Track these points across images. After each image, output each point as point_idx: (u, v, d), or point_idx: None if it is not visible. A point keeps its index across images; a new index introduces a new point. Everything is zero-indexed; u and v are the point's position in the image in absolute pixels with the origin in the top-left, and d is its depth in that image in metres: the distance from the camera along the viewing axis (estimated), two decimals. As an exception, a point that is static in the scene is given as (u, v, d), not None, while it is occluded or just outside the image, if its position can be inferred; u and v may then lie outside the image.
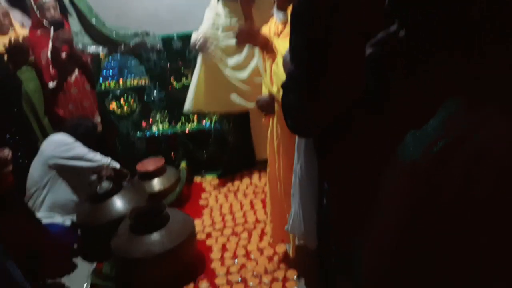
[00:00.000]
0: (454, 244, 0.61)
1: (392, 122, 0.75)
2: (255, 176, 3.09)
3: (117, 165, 2.61)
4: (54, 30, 2.74)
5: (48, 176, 2.48)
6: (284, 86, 1.02)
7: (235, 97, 2.71)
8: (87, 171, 2.51)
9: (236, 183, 3.05)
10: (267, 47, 1.86)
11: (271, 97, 1.83)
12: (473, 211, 0.58)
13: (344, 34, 0.83)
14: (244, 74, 2.68)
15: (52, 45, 2.79)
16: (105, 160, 2.56)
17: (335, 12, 0.83)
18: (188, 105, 2.79)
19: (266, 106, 1.88)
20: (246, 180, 3.06)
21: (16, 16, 3.12)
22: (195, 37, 2.63)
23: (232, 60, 2.71)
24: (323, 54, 0.86)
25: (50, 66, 2.82)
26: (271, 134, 2.00)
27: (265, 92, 1.94)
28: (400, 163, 0.70)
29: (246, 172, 3.16)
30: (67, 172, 2.51)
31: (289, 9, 1.81)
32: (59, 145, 2.49)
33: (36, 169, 2.51)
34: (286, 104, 0.99)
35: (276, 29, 1.97)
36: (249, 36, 1.91)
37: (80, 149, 2.51)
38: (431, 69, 0.64)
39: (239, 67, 2.70)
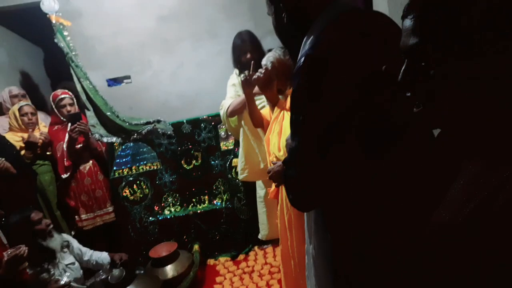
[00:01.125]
0: None
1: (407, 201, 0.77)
2: (270, 255, 3.00)
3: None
4: (72, 124, 2.92)
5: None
6: (285, 161, 1.06)
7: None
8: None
9: (251, 263, 2.96)
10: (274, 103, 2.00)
11: (282, 167, 1.86)
12: None
13: (340, 108, 0.88)
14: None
15: (69, 137, 2.94)
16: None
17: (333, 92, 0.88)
18: (240, 176, 2.74)
19: (277, 176, 1.90)
20: (260, 260, 2.97)
21: (41, 117, 3.37)
22: (227, 103, 2.75)
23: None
24: (323, 132, 0.90)
25: (65, 157, 2.95)
26: (281, 208, 2.00)
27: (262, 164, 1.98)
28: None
29: (260, 250, 3.08)
30: None
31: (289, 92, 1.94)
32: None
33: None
34: (288, 179, 1.02)
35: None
36: (266, 83, 2.00)
37: (75, 244, 2.58)
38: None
39: None
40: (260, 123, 2.28)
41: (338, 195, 0.95)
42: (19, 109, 2.96)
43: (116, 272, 2.36)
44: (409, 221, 0.77)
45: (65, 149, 2.95)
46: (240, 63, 2.76)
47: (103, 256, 2.62)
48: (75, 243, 2.61)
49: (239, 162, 2.76)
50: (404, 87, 0.70)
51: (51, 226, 2.41)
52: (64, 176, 2.94)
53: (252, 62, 2.18)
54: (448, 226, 0.65)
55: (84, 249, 2.62)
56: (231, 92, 2.80)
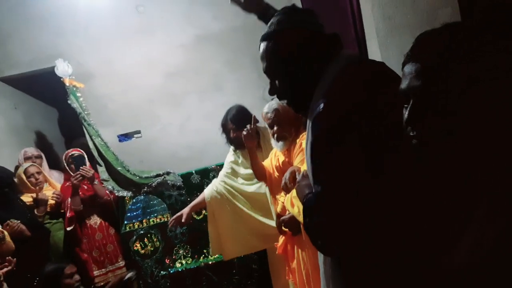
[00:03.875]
0: None
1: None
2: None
3: None
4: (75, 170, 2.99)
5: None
6: (309, 207, 1.01)
7: (252, 235, 2.70)
8: None
9: (266, 316, 2.85)
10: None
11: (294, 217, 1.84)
12: None
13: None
14: (251, 188, 2.71)
15: (72, 184, 2.97)
16: None
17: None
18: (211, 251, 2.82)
19: (292, 224, 1.87)
20: (275, 312, 2.86)
21: (55, 176, 3.46)
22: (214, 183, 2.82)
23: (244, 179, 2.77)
24: (349, 174, 0.90)
25: (68, 210, 2.97)
26: (298, 263, 1.95)
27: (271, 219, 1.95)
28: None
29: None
30: None
31: (300, 138, 1.98)
32: None
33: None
34: (314, 225, 0.99)
35: (277, 161, 2.11)
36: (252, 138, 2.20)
37: None
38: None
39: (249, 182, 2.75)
40: (263, 176, 2.29)
41: (363, 240, 0.93)
42: (24, 172, 3.04)
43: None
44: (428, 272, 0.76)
45: (69, 200, 2.98)
46: (229, 140, 2.74)
47: None
48: None
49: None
50: (411, 124, 0.74)
51: (79, 282, 2.45)
52: (68, 228, 2.94)
53: (253, 116, 2.26)
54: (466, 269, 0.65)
55: None
56: (227, 168, 2.80)
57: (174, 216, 2.64)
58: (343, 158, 0.90)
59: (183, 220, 2.58)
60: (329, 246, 0.98)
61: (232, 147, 2.82)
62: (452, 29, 0.71)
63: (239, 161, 2.76)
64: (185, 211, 2.62)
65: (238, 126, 2.56)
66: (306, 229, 1.02)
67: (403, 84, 0.76)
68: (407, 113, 0.75)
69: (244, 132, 2.22)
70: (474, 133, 0.68)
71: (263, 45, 1.11)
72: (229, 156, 2.85)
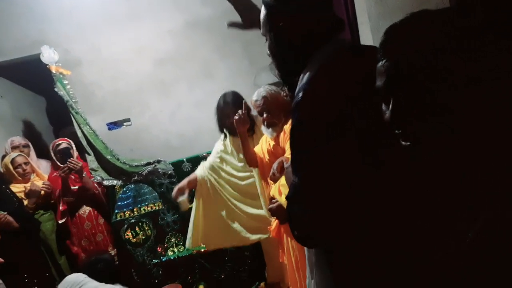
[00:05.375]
0: None
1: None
2: (277, 292, 2.91)
3: None
4: (62, 161, 2.94)
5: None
6: (288, 197, 1.01)
7: (238, 227, 2.70)
8: None
9: (258, 302, 2.87)
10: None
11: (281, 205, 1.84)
12: None
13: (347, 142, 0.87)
14: (242, 182, 2.70)
15: (61, 178, 2.94)
16: None
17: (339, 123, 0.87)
18: (187, 243, 2.82)
19: (279, 212, 1.87)
20: (268, 298, 2.88)
21: (43, 165, 3.40)
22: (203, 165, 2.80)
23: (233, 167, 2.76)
24: (326, 165, 0.88)
25: (61, 202, 2.95)
26: (287, 249, 1.96)
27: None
28: None
29: (268, 288, 2.99)
30: None
31: (289, 124, 1.97)
32: (71, 286, 2.46)
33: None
34: (292, 215, 0.99)
35: (268, 145, 2.10)
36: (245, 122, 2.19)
37: (90, 284, 2.47)
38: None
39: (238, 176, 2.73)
40: (255, 162, 2.29)
41: (343, 233, 0.92)
42: (12, 162, 2.98)
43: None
44: (414, 260, 0.76)
45: (60, 192, 2.95)
46: (225, 127, 2.65)
47: None
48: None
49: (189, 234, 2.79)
50: (395, 124, 0.72)
51: None
52: (60, 221, 2.92)
53: (244, 101, 2.23)
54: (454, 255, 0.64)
55: None
56: (215, 158, 2.78)
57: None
58: (318, 150, 0.88)
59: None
60: (304, 237, 0.98)
61: (223, 135, 2.78)
62: (417, 20, 0.69)
63: (229, 150, 2.73)
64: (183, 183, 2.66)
65: (238, 110, 2.51)
66: (288, 220, 1.01)
67: (379, 81, 0.73)
68: (389, 113, 0.72)
69: (236, 117, 2.21)
70: (473, 132, 0.66)
71: (263, 14, 1.08)
72: (219, 145, 2.81)
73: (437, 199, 0.71)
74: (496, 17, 0.62)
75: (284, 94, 1.95)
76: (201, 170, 2.78)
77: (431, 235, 0.73)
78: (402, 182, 0.81)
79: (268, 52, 1.11)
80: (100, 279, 2.52)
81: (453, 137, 0.68)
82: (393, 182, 0.83)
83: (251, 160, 2.29)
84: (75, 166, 2.94)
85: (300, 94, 0.92)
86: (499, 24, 0.62)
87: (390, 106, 0.71)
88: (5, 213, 2.55)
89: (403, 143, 0.73)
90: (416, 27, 0.68)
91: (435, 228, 0.72)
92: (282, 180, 1.83)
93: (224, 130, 2.70)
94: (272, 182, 1.92)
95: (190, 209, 3.20)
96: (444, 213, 0.70)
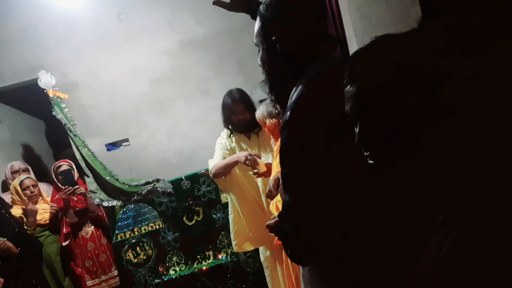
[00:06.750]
0: None
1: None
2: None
3: None
4: (65, 183, 2.99)
5: None
6: (279, 215, 1.02)
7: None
8: None
9: (262, 319, 2.84)
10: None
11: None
12: None
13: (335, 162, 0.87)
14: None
15: (64, 203, 2.97)
16: None
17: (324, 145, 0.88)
18: (234, 248, 2.68)
19: (277, 229, 1.87)
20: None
21: (44, 188, 3.42)
22: (211, 163, 2.64)
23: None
24: (314, 183, 0.89)
25: (64, 225, 2.97)
26: (287, 266, 1.96)
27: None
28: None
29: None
30: None
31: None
32: None
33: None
34: (283, 234, 0.99)
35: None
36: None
37: None
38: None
39: None
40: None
41: (334, 248, 0.93)
42: (20, 184, 3.02)
43: None
44: (405, 274, 0.76)
45: (63, 215, 2.98)
46: (231, 124, 2.59)
47: None
48: None
49: (231, 233, 2.67)
50: (362, 146, 0.74)
51: None
52: (64, 243, 2.93)
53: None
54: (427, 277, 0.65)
55: None
56: (218, 153, 2.66)
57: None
58: (305, 168, 0.89)
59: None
60: (297, 256, 0.98)
61: (224, 133, 2.70)
62: (381, 47, 0.72)
63: (231, 147, 2.65)
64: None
65: (247, 107, 2.52)
66: (280, 238, 1.01)
67: (347, 106, 0.76)
68: (356, 136, 0.75)
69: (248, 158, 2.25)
70: (472, 133, 0.68)
71: (258, 25, 1.08)
72: (221, 140, 2.71)
73: (412, 213, 0.73)
74: (495, 17, 0.64)
75: (276, 111, 1.98)
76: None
77: (407, 248, 0.75)
78: (386, 197, 0.82)
79: (260, 63, 1.11)
80: None
81: (408, 163, 0.70)
82: (378, 198, 0.84)
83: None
84: (78, 191, 2.99)
85: (288, 113, 0.94)
86: (498, 24, 0.64)
87: (357, 129, 0.74)
88: (5, 239, 2.55)
89: (370, 163, 0.74)
90: (379, 52, 0.71)
91: (411, 240, 0.74)
92: (279, 196, 1.85)
93: (230, 127, 2.64)
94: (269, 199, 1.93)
95: (190, 227, 3.20)
96: (419, 225, 0.72)
